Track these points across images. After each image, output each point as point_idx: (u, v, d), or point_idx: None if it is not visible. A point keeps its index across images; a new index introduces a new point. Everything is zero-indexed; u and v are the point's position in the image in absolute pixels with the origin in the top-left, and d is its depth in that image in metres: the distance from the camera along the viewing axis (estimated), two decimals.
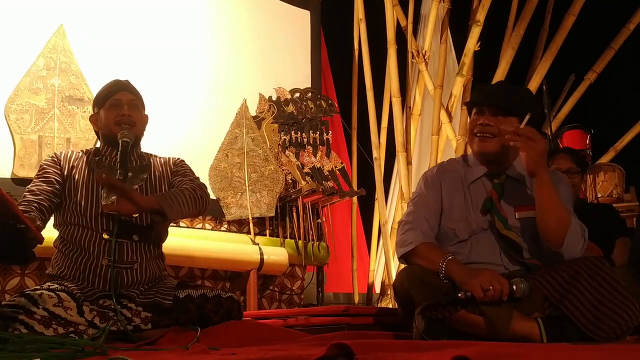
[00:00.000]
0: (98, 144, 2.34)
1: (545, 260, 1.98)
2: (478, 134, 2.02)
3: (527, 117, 1.94)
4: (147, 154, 2.32)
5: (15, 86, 3.31)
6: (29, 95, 3.33)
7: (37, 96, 3.35)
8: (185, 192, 2.12)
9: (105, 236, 2.07)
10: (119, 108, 2.18)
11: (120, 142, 2.11)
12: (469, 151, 2.35)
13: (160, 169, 2.28)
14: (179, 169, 2.30)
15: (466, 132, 2.15)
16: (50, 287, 2.00)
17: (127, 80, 2.28)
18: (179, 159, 2.36)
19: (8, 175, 3.22)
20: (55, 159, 2.19)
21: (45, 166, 2.17)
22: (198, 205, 2.15)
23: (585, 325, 1.73)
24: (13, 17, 3.43)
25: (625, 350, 1.40)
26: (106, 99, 2.21)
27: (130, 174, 2.13)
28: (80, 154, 2.24)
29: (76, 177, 2.15)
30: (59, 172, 2.16)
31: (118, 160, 2.11)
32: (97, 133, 2.31)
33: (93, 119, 2.26)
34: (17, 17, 3.45)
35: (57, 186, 2.13)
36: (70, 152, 2.24)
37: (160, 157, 2.34)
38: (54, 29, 3.50)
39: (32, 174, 3.21)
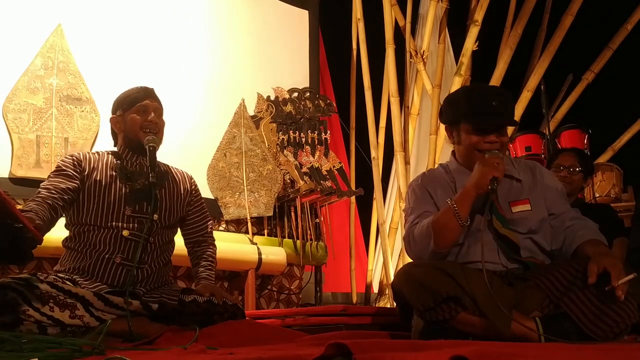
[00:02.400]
0: (110, 147, 2.36)
1: (542, 257, 2.00)
2: (486, 152, 2.02)
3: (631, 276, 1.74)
4: (161, 162, 2.36)
5: (13, 85, 3.30)
6: (26, 95, 3.32)
7: (35, 95, 3.35)
8: (213, 266, 2.41)
9: (125, 233, 2.12)
10: (146, 114, 2.23)
11: (147, 147, 2.19)
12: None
13: (178, 182, 2.35)
14: (195, 201, 2.41)
15: (464, 144, 2.10)
16: (58, 275, 2.04)
17: (152, 89, 2.31)
18: (192, 179, 2.43)
19: (6, 175, 3.22)
20: (76, 160, 2.19)
21: (63, 166, 2.17)
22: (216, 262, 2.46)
23: (585, 323, 1.74)
24: (11, 16, 3.43)
25: (623, 349, 1.40)
26: (133, 103, 2.24)
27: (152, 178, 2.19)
28: (97, 156, 2.25)
29: (97, 178, 2.17)
30: (79, 173, 2.16)
31: (148, 164, 2.19)
32: (114, 135, 2.33)
33: (114, 121, 2.28)
34: (15, 17, 3.44)
35: (74, 186, 2.13)
36: (88, 153, 2.25)
37: (174, 169, 2.40)
38: (52, 28, 3.49)
39: (30, 173, 3.22)
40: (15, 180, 3.21)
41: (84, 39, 3.63)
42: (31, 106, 3.32)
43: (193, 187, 2.42)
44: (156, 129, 2.24)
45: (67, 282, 1.98)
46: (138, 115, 2.22)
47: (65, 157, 2.21)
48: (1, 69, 3.33)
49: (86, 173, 2.17)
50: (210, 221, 2.49)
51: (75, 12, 3.65)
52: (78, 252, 2.12)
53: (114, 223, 2.13)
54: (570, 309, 1.77)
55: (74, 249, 2.14)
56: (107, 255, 2.10)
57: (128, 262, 2.11)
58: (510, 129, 4.54)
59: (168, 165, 2.39)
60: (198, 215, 2.42)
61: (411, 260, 2.10)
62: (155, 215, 2.18)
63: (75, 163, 2.18)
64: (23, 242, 1.71)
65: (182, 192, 2.34)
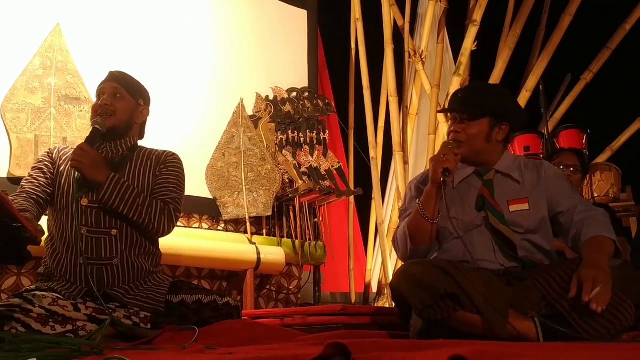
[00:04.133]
0: None
1: (540, 257, 2.00)
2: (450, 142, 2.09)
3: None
4: (140, 147, 2.27)
5: (11, 85, 3.30)
6: (25, 95, 3.32)
7: (34, 95, 3.34)
8: (148, 199, 2.08)
9: (83, 231, 2.03)
10: (100, 99, 2.17)
11: (92, 127, 2.09)
12: None
13: (147, 161, 2.21)
14: (165, 173, 2.21)
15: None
16: (39, 287, 1.99)
17: (118, 71, 2.24)
18: (173, 156, 2.27)
19: (4, 175, 3.21)
20: (50, 154, 2.20)
21: (41, 159, 2.19)
22: (151, 219, 2.08)
23: (580, 325, 1.73)
24: (9, 16, 3.42)
25: (623, 349, 1.40)
26: (97, 90, 2.23)
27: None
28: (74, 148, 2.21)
29: (61, 169, 2.15)
30: (51, 166, 2.16)
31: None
32: None
33: None
34: (14, 16, 3.43)
35: (49, 179, 2.14)
36: (65, 147, 2.24)
37: (155, 150, 2.27)
38: (50, 28, 3.49)
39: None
40: (14, 180, 3.19)
41: (83, 38, 3.63)
42: (29, 106, 3.31)
43: (167, 163, 2.22)
44: (109, 112, 2.12)
45: (56, 306, 1.90)
46: (95, 102, 2.18)
47: (45, 151, 2.23)
48: (0, 69, 3.33)
49: (56, 165, 2.17)
50: (177, 195, 2.20)
51: (74, 11, 3.64)
52: (49, 255, 2.09)
53: (72, 217, 2.03)
54: (566, 311, 1.76)
55: (48, 251, 2.10)
56: (70, 258, 2.02)
57: (94, 261, 2.02)
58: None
59: (145, 148, 2.26)
60: (161, 182, 2.19)
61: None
62: (84, 201, 2.03)
63: (50, 155, 2.19)
64: (22, 242, 1.71)
65: (148, 176, 2.19)
